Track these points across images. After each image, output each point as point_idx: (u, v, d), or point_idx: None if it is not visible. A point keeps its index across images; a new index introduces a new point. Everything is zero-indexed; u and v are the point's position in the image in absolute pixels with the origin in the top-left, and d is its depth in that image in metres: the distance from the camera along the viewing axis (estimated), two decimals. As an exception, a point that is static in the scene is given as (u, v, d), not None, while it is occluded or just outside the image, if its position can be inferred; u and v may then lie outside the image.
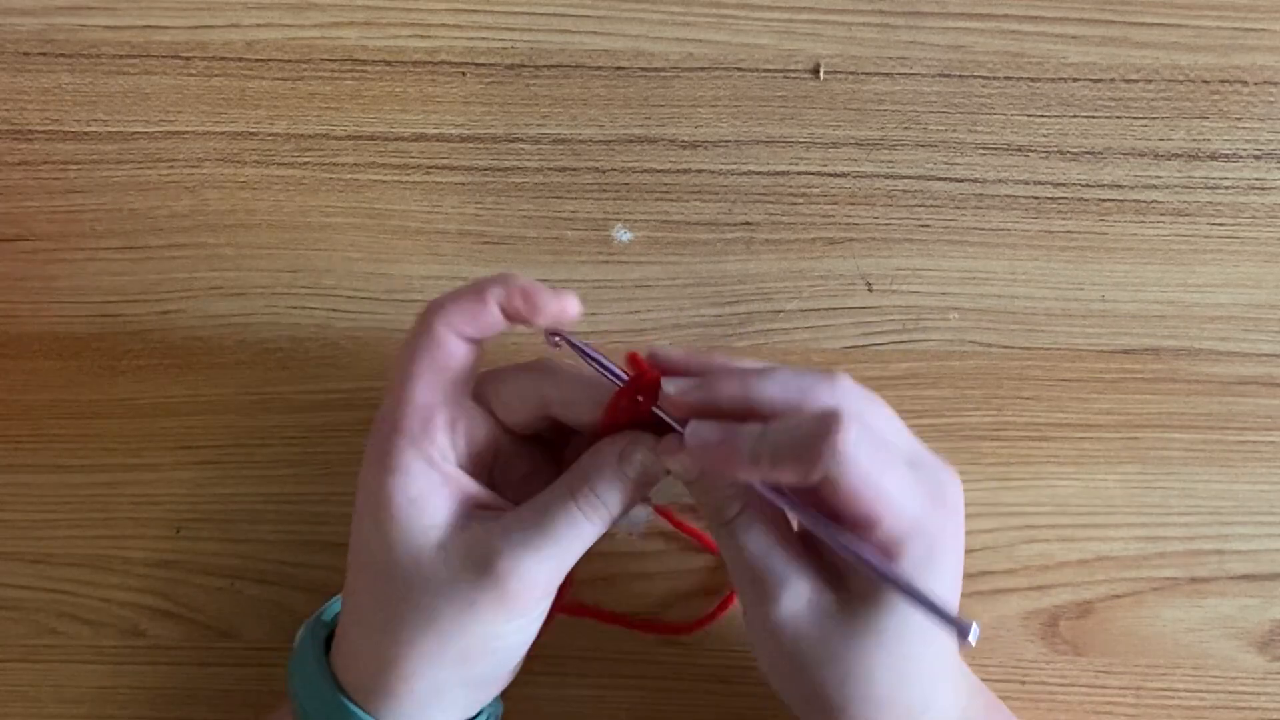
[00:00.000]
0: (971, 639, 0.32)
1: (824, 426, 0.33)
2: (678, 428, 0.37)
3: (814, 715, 0.37)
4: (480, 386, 0.39)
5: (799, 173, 0.49)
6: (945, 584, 0.36)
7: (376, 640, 0.37)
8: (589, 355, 0.38)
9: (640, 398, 0.37)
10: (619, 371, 0.38)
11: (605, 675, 0.47)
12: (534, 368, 0.39)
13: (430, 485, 0.36)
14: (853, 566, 0.36)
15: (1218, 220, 0.49)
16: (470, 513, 0.37)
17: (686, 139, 0.49)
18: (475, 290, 0.37)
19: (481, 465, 0.39)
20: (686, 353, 0.39)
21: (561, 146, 0.49)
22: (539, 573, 0.36)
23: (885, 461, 0.34)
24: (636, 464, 0.37)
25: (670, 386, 0.37)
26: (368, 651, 0.37)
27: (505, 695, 0.47)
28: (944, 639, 0.36)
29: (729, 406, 0.36)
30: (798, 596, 0.36)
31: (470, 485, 0.37)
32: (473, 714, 0.39)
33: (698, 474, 0.37)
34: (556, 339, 0.38)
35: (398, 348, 0.38)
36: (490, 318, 0.37)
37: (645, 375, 0.37)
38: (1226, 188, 0.49)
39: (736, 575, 0.38)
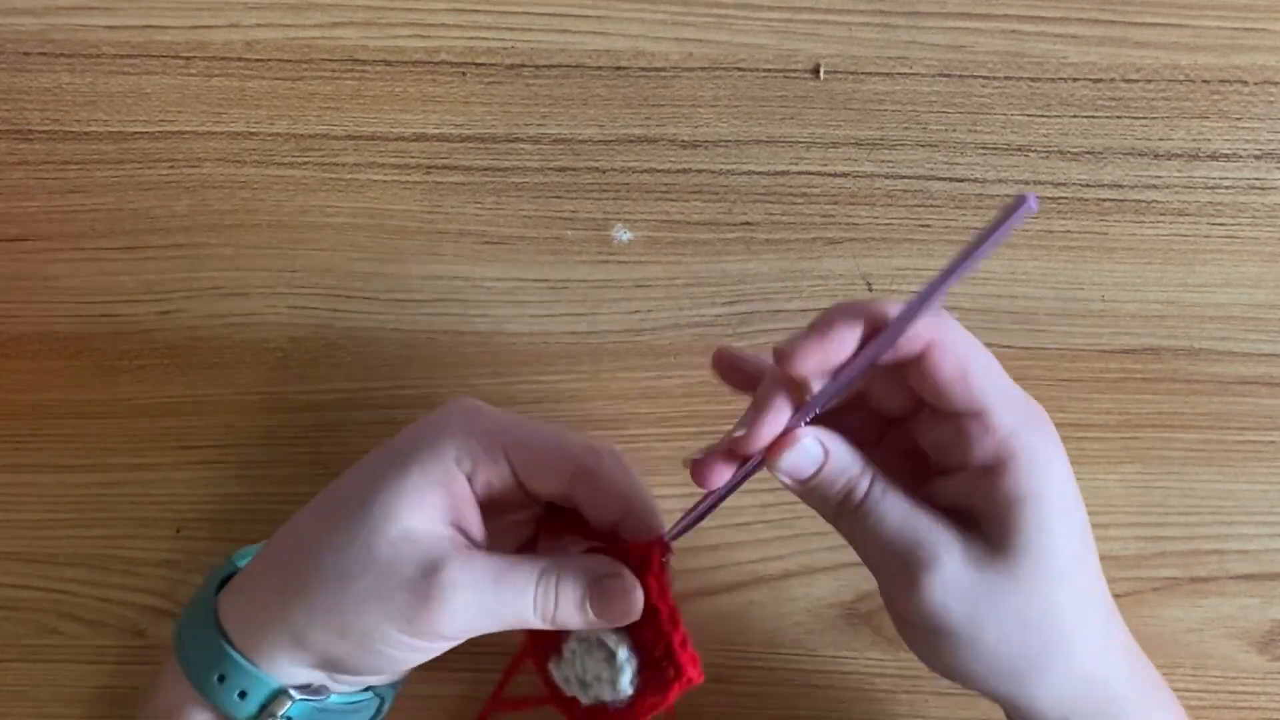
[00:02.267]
0: (1031, 203, 0.30)
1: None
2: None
3: (1007, 684, 0.36)
4: (514, 447, 0.38)
5: (799, 173, 0.49)
6: (1062, 480, 0.35)
7: (289, 589, 0.37)
8: (706, 509, 0.37)
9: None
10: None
11: (605, 675, 0.47)
12: (573, 458, 0.38)
13: (433, 497, 0.36)
14: (982, 501, 0.35)
15: (1218, 220, 0.49)
16: (449, 537, 0.37)
17: (686, 139, 0.49)
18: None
19: (487, 508, 0.38)
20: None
21: (561, 146, 0.49)
22: (465, 620, 0.36)
23: (984, 351, 0.34)
24: (601, 604, 0.37)
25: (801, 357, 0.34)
26: (272, 601, 0.37)
27: (504, 695, 0.47)
28: (1093, 552, 0.36)
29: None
30: (952, 550, 0.34)
31: (470, 518, 0.37)
32: (352, 690, 0.39)
33: (821, 460, 0.35)
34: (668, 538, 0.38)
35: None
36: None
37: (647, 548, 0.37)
38: (1226, 188, 0.49)
39: (884, 558, 0.35)
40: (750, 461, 0.35)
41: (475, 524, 0.38)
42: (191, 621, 0.39)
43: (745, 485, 0.47)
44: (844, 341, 0.33)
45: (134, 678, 0.47)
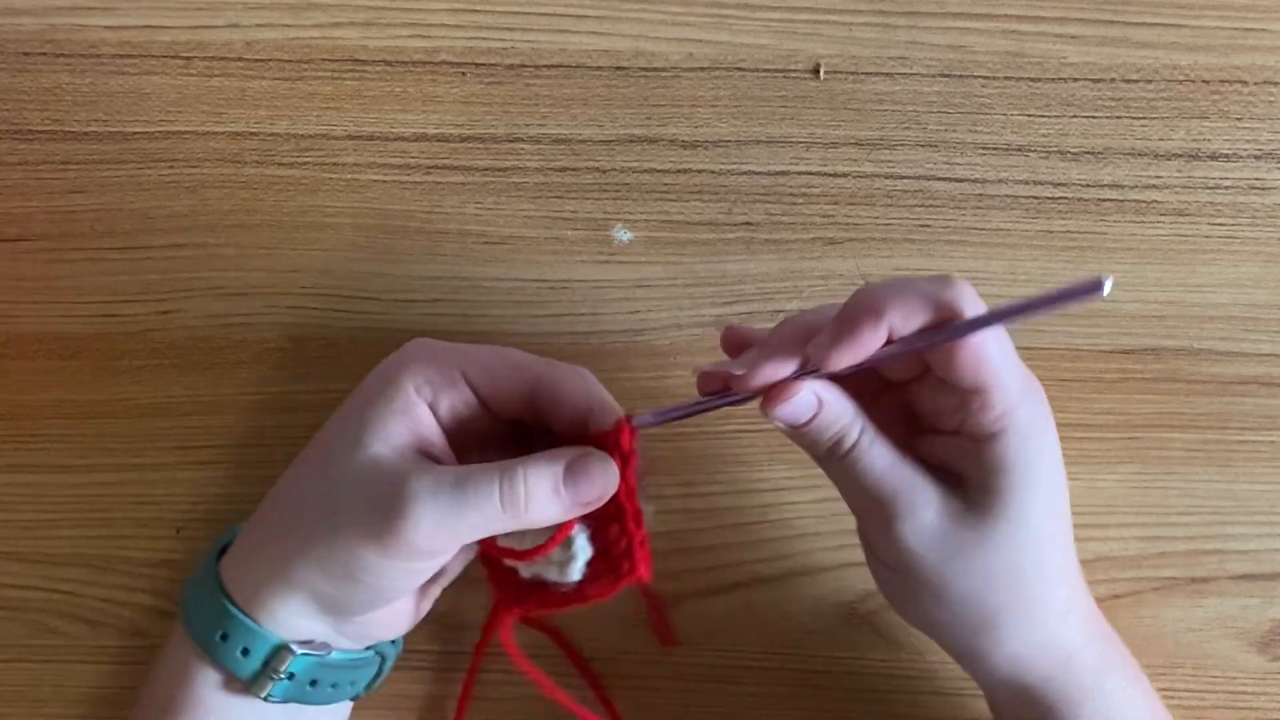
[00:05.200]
0: (1107, 288, 0.31)
1: (948, 277, 0.35)
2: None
3: (966, 635, 0.38)
4: (471, 369, 0.39)
5: (799, 173, 0.49)
6: (1050, 452, 0.37)
7: (276, 535, 0.38)
8: (684, 413, 0.38)
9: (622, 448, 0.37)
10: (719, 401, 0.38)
11: (605, 675, 0.47)
12: (529, 370, 0.39)
13: (395, 425, 0.37)
14: (971, 464, 0.37)
15: (1218, 220, 0.49)
16: (414, 458, 0.37)
17: (686, 139, 0.49)
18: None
19: (459, 438, 0.39)
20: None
21: (561, 146, 0.49)
22: (430, 527, 0.35)
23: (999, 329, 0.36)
24: (575, 486, 0.37)
25: (738, 368, 0.37)
26: (263, 550, 0.38)
27: (506, 694, 0.47)
28: (1068, 528, 0.38)
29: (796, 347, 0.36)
30: (930, 503, 0.36)
31: (437, 446, 0.38)
32: (354, 648, 0.40)
33: (815, 410, 0.36)
34: (634, 422, 0.38)
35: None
36: None
37: (620, 433, 0.37)
38: (1226, 188, 0.49)
39: (864, 502, 0.38)
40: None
41: (444, 452, 0.38)
42: (195, 586, 0.40)
43: (744, 485, 0.47)
44: (871, 345, 0.35)
45: (134, 678, 0.47)
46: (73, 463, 0.48)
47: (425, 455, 0.38)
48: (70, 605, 0.47)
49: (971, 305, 0.34)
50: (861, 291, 0.35)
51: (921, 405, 0.38)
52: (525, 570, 0.39)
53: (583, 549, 0.38)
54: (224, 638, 0.38)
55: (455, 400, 0.38)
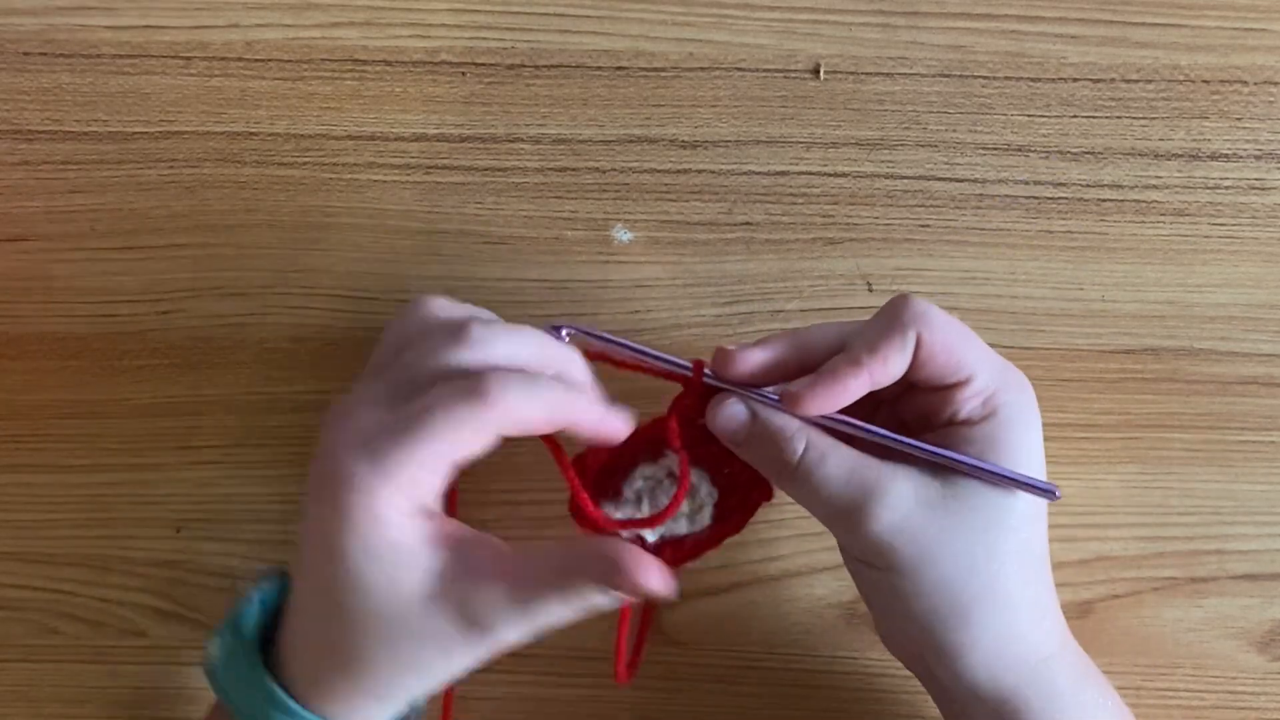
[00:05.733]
0: (1057, 494, 0.37)
1: (897, 301, 0.37)
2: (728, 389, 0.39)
3: (941, 631, 0.37)
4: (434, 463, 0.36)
5: (799, 173, 0.49)
6: (1036, 437, 0.38)
7: (343, 666, 0.36)
8: (626, 347, 0.39)
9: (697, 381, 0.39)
10: (669, 358, 0.39)
11: (605, 675, 0.47)
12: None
13: (412, 533, 0.35)
14: (959, 447, 0.37)
15: (1218, 220, 0.49)
16: (448, 554, 0.36)
17: (686, 139, 0.49)
18: (545, 397, 0.36)
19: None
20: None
21: (561, 146, 0.49)
22: (516, 639, 0.36)
23: (960, 324, 0.38)
24: (628, 588, 0.36)
25: (740, 360, 0.38)
26: (332, 673, 0.37)
27: (504, 694, 0.47)
28: (1045, 528, 0.38)
29: (787, 356, 0.38)
30: (900, 496, 0.36)
31: (447, 524, 0.37)
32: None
33: (748, 435, 0.38)
34: (566, 334, 0.40)
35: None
36: (544, 426, 0.36)
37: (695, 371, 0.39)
38: (1226, 188, 0.49)
39: (826, 512, 0.38)
40: None
41: (451, 519, 0.38)
42: (247, 691, 0.38)
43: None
44: (848, 399, 0.37)
45: (134, 678, 0.47)
46: (73, 463, 0.48)
47: (454, 541, 0.37)
48: (70, 605, 0.47)
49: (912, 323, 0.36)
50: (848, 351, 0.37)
51: (907, 413, 0.39)
52: (652, 534, 0.39)
53: (709, 493, 0.40)
54: None
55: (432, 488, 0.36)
